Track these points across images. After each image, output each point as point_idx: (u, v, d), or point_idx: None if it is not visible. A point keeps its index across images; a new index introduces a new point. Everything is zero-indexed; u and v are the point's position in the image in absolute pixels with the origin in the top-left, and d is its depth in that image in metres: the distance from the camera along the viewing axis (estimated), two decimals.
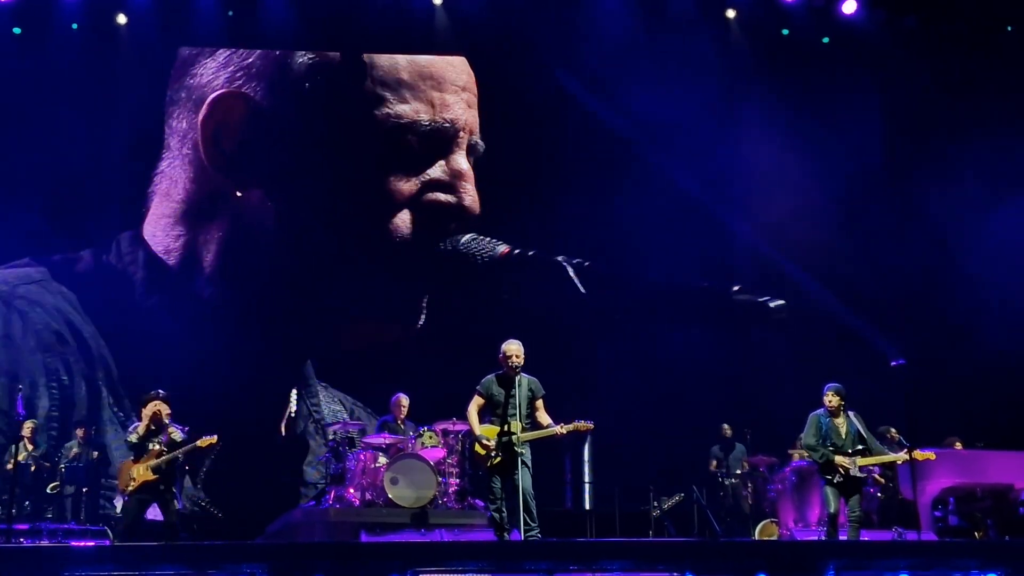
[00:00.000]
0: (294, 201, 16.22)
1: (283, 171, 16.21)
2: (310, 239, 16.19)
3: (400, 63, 16.67)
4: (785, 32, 17.06)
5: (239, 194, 16.19)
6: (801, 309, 16.33)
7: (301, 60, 16.59)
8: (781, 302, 16.09)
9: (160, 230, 16.26)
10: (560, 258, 16.07)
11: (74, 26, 15.88)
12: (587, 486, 16.33)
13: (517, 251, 16.17)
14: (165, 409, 11.39)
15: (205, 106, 16.26)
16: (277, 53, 16.56)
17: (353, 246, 16.32)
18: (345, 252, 16.28)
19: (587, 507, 15.97)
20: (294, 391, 15.23)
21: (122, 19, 16.03)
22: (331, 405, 15.99)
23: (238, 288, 16.01)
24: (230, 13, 16.13)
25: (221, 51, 16.55)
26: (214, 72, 16.48)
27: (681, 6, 16.52)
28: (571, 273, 15.88)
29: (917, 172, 16.83)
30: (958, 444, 13.97)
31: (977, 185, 16.79)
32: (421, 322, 16.27)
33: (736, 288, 16.19)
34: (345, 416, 15.53)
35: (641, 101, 16.37)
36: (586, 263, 16.02)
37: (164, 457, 11.13)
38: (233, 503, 15.09)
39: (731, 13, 16.94)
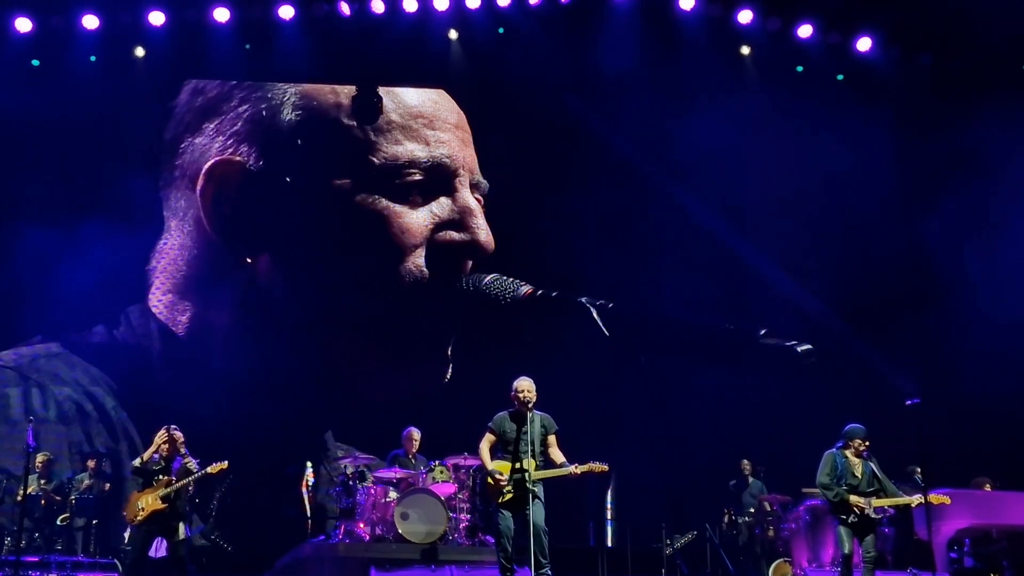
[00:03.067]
0: (303, 261, 16.09)
1: (288, 231, 16.10)
2: (323, 297, 16.05)
3: (388, 106, 16.63)
4: (799, 68, 17.08)
5: (249, 260, 16.08)
6: (817, 345, 16.24)
7: (289, 118, 16.54)
8: (809, 347, 15.91)
9: (166, 306, 16.22)
10: (583, 299, 15.99)
11: (92, 58, 15.96)
12: (609, 523, 16.23)
13: (540, 292, 16.11)
14: (179, 436, 11.39)
15: (201, 176, 16.21)
16: (263, 114, 16.51)
17: (370, 298, 16.20)
18: (362, 304, 16.15)
19: (609, 544, 15.87)
20: (308, 464, 15.14)
21: (140, 52, 16.12)
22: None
23: (252, 358, 15.81)
24: (247, 47, 16.21)
25: (206, 126, 16.50)
26: (204, 145, 16.46)
27: (695, 42, 16.57)
28: (595, 315, 15.78)
29: (932, 208, 16.77)
30: (988, 485, 13.85)
31: (994, 222, 16.74)
32: (448, 375, 16.21)
33: (763, 332, 16.03)
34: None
35: (660, 138, 16.42)
36: (610, 304, 15.93)
37: (175, 485, 11.11)
38: (242, 537, 15.00)
39: (746, 49, 16.98)
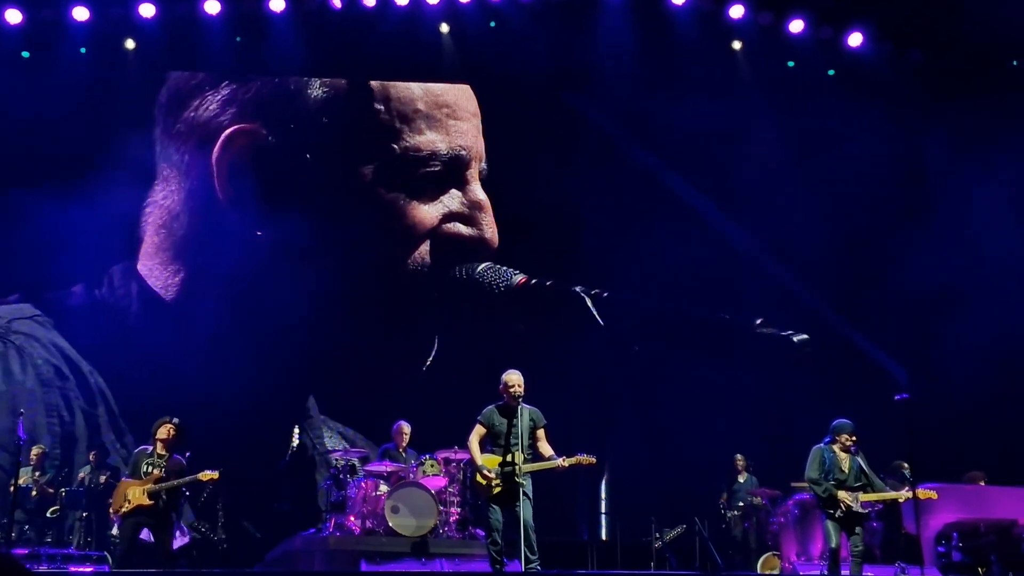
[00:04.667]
0: (311, 240, 15.97)
1: (301, 209, 15.93)
2: (325, 275, 15.96)
3: (416, 93, 16.68)
4: (791, 64, 17.11)
5: (259, 233, 15.94)
6: (811, 335, 16.27)
7: (315, 94, 16.49)
8: (805, 337, 15.92)
9: (158, 265, 16.10)
10: (578, 288, 15.99)
11: (82, 50, 15.91)
12: (603, 516, 16.25)
13: (534, 281, 16.11)
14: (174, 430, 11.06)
15: (219, 143, 16.11)
16: (291, 87, 16.48)
17: (369, 281, 16.20)
18: (360, 288, 16.14)
19: (603, 538, 15.90)
20: (296, 427, 15.07)
21: (130, 44, 16.08)
22: (333, 439, 15.87)
23: (243, 324, 15.67)
24: (238, 39, 16.17)
25: (225, 84, 16.41)
26: (220, 106, 16.32)
27: (687, 36, 16.58)
28: (589, 304, 15.80)
29: (922, 204, 16.82)
30: (982, 480, 13.91)
31: (983, 217, 16.78)
32: (429, 361, 16.17)
33: (759, 321, 16.04)
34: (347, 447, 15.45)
35: (653, 130, 16.43)
36: (604, 294, 15.94)
37: (163, 484, 10.72)
38: (232, 530, 15.00)
39: (737, 44, 16.99)
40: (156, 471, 10.84)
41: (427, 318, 16.22)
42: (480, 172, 16.66)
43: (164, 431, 10.98)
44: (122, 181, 15.78)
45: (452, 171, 16.48)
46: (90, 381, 15.67)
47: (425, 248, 16.30)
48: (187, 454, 11.20)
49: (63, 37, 15.75)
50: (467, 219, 16.43)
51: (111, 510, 11.23)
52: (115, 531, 11.75)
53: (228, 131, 16.20)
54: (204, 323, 15.79)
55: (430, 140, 16.53)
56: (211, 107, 16.35)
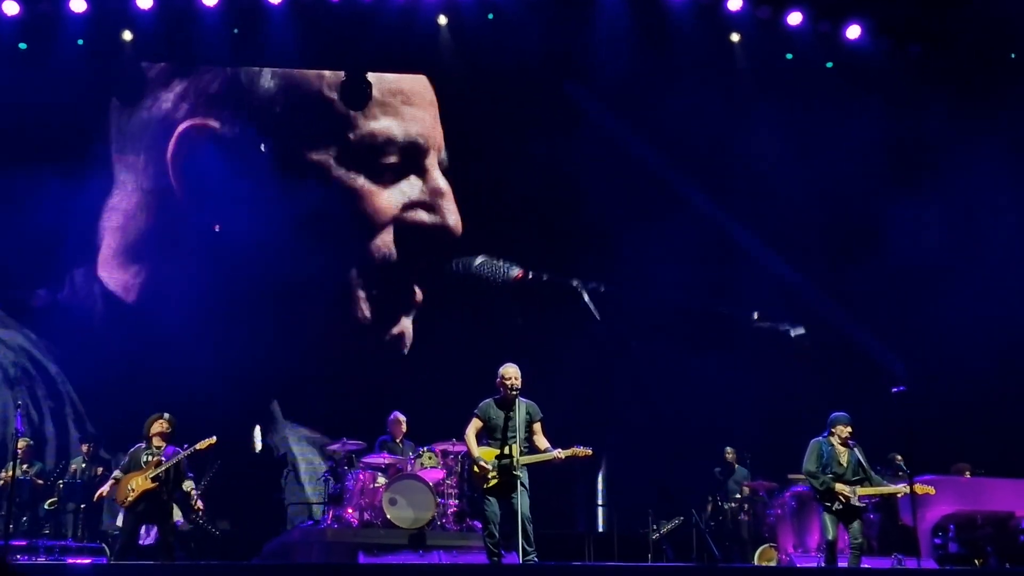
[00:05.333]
0: (272, 231, 15.72)
1: (259, 201, 15.72)
2: (288, 269, 15.80)
3: (370, 82, 16.63)
4: (789, 56, 17.10)
5: (217, 228, 15.86)
6: (808, 328, 16.27)
7: (268, 85, 16.44)
8: (802, 330, 15.95)
9: (117, 267, 16.04)
10: (575, 282, 15.98)
11: (80, 42, 15.89)
12: (600, 509, 16.27)
13: (531, 275, 16.10)
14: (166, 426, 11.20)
15: (173, 139, 16.04)
16: (242, 78, 16.42)
17: (334, 271, 16.11)
18: (325, 280, 16.02)
19: (600, 530, 15.92)
20: (257, 428, 15.00)
21: (128, 36, 16.05)
22: (299, 445, 15.84)
23: (205, 324, 15.37)
24: (235, 31, 16.15)
25: (176, 81, 16.35)
26: (173, 103, 16.26)
27: (685, 28, 16.56)
28: (586, 298, 15.81)
29: (920, 196, 16.82)
30: (968, 472, 13.94)
31: (980, 211, 16.80)
32: (407, 350, 16.13)
33: (756, 315, 16.03)
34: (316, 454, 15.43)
35: (651, 123, 16.44)
36: (601, 287, 15.92)
37: (165, 464, 10.81)
38: (230, 522, 15.00)
39: (735, 37, 16.98)
40: (155, 458, 10.91)
41: (400, 308, 16.12)
42: (440, 162, 16.62)
43: (159, 426, 11.08)
44: (81, 182, 15.66)
45: (410, 159, 16.48)
46: (56, 381, 15.65)
47: (388, 237, 16.28)
48: (185, 447, 11.21)
49: (60, 29, 15.71)
50: (428, 206, 16.43)
51: (116, 501, 11.28)
52: (118, 522, 11.74)
53: (182, 126, 16.17)
54: (167, 323, 15.48)
55: (385, 127, 16.52)
56: (164, 105, 16.31)
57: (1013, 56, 16.99)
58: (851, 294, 16.67)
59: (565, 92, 16.90)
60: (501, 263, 16.21)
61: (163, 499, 10.94)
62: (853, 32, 16.76)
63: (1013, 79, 16.77)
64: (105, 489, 11.25)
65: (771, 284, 16.72)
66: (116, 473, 11.26)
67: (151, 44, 16.04)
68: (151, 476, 10.82)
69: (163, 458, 10.88)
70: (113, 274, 16.05)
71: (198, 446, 10.90)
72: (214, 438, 10.89)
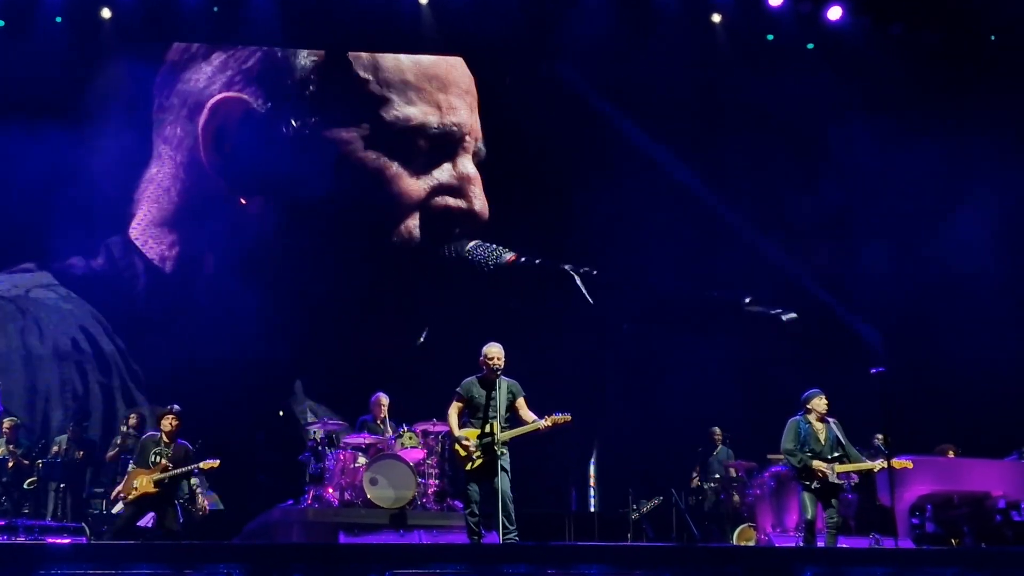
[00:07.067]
0: (297, 209, 15.89)
1: (287, 177, 15.83)
2: (313, 247, 15.93)
3: (404, 64, 16.58)
4: (770, 37, 17.09)
5: (243, 202, 15.92)
6: (795, 308, 16.32)
7: (303, 63, 16.38)
8: (794, 315, 16.00)
9: (152, 238, 16.07)
10: (567, 266, 15.99)
11: (58, 19, 15.75)
12: (591, 490, 16.32)
13: (524, 259, 16.09)
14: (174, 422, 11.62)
15: (205, 111, 16.04)
16: (279, 55, 16.37)
17: (359, 254, 16.14)
18: (349, 261, 16.09)
19: (592, 510, 15.98)
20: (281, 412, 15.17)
21: (107, 13, 15.93)
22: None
23: (236, 298, 15.54)
24: (215, 9, 16.04)
25: (216, 55, 16.31)
26: (209, 77, 16.25)
27: (667, 9, 16.53)
28: (578, 282, 15.81)
29: (903, 178, 16.88)
30: (951, 452, 14.04)
31: (961, 192, 16.85)
32: (422, 339, 16.18)
33: (748, 300, 16.07)
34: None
35: (637, 104, 16.40)
36: (594, 271, 15.93)
37: (169, 473, 11.36)
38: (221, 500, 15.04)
39: (716, 17, 16.96)
40: (163, 460, 11.47)
41: (417, 295, 16.15)
42: (479, 152, 16.57)
43: (167, 423, 11.63)
44: (118, 151, 15.77)
45: (444, 146, 16.41)
46: (106, 351, 15.71)
47: (413, 222, 16.25)
48: (199, 442, 11.74)
49: (38, 6, 15.60)
50: (456, 191, 16.39)
51: (119, 492, 11.74)
52: (117, 508, 12.10)
53: (214, 99, 16.15)
54: (200, 297, 15.81)
55: (421, 112, 16.45)
56: (202, 78, 16.27)
57: (994, 38, 17.02)
58: (835, 275, 16.72)
59: (548, 73, 16.80)
60: (494, 247, 16.19)
61: (162, 500, 11.48)
62: (834, 13, 16.77)
63: (994, 60, 16.80)
64: (120, 488, 11.73)
65: (764, 268, 16.73)
66: (131, 466, 11.80)
67: (129, 22, 15.92)
68: (155, 480, 11.36)
69: (170, 463, 11.42)
70: (148, 244, 16.06)
71: (201, 465, 11.48)
72: (216, 462, 11.41)
